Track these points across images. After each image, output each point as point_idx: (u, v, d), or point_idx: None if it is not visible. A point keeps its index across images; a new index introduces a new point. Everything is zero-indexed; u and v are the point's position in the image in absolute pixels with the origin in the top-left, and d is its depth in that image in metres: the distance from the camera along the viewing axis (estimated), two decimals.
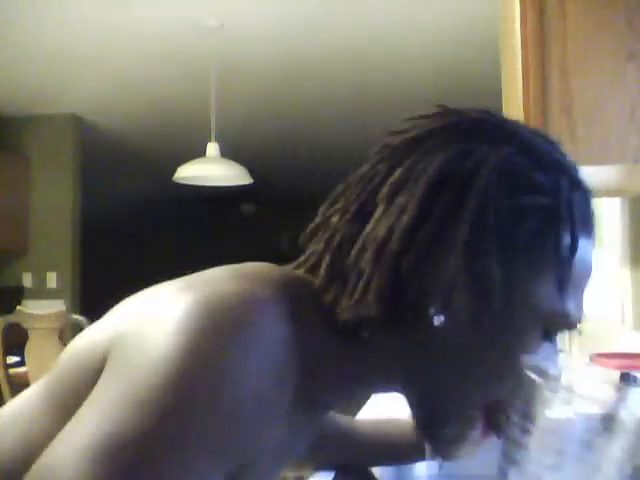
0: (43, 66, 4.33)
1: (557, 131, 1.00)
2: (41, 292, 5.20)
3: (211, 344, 0.49)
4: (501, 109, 1.61)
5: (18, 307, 3.49)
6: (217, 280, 0.56)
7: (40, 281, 5.29)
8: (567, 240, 0.57)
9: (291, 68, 4.27)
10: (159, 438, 0.46)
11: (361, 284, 0.57)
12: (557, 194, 0.58)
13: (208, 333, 0.50)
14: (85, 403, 0.50)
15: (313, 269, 0.62)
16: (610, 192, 1.52)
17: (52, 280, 5.24)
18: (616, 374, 0.93)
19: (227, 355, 0.49)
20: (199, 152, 3.91)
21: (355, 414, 0.91)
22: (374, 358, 0.61)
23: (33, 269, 5.33)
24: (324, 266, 0.61)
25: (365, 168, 0.62)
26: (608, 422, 0.73)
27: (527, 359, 0.57)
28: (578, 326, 0.62)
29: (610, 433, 0.72)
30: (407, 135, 0.61)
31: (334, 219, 0.62)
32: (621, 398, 0.74)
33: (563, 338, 0.64)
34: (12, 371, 3.43)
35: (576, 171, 0.61)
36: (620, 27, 0.99)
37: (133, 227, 8.85)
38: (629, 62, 0.98)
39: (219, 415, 0.48)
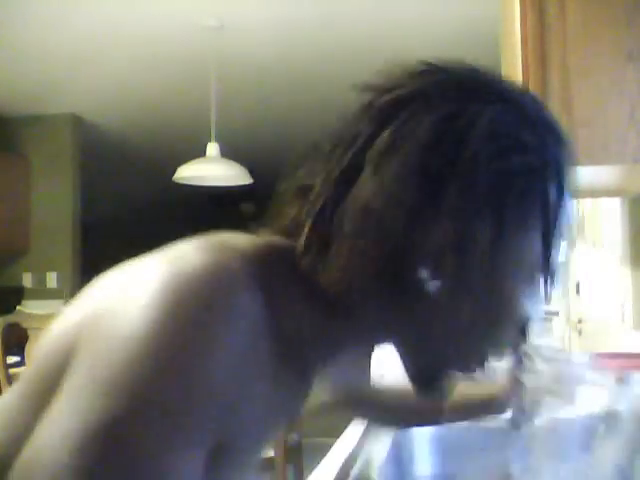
0: (43, 66, 4.33)
1: None
2: (41, 292, 5.19)
3: (183, 319, 0.49)
4: None
5: (18, 307, 3.49)
6: (187, 253, 0.54)
7: (40, 281, 5.29)
8: (554, 197, 0.58)
9: (291, 68, 4.26)
10: (134, 417, 0.46)
11: (347, 249, 0.56)
12: (544, 153, 0.58)
13: (179, 307, 0.49)
14: (61, 391, 0.50)
15: (291, 235, 0.60)
16: (610, 192, 1.52)
17: (52, 280, 5.24)
18: (616, 374, 0.93)
19: (199, 329, 0.49)
20: (199, 152, 3.90)
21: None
22: (360, 323, 0.60)
23: (33, 269, 5.32)
24: (305, 231, 0.59)
25: (345, 128, 0.60)
26: (609, 421, 0.73)
27: (517, 311, 0.60)
28: (557, 276, 0.62)
29: (610, 432, 0.72)
30: (392, 95, 0.59)
31: (315, 182, 0.60)
32: (621, 397, 0.74)
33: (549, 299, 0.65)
34: (12, 371, 3.42)
35: (560, 129, 0.61)
36: (620, 27, 0.99)
37: (133, 227, 8.84)
38: (629, 62, 0.98)
39: (194, 389, 0.48)
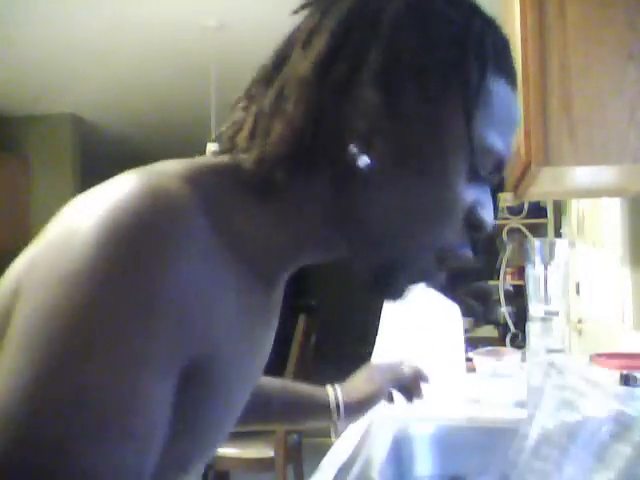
0: (43, 66, 4.33)
1: (557, 131, 1.00)
2: None
3: (130, 245, 0.47)
4: None
5: None
6: (121, 181, 0.52)
7: None
8: (477, 74, 0.57)
9: None
10: (87, 353, 0.44)
11: (279, 123, 0.56)
12: (467, 28, 0.58)
13: (124, 235, 0.47)
14: (4, 347, 0.47)
15: (235, 144, 0.60)
16: (610, 192, 1.52)
17: None
18: (616, 374, 0.93)
19: (150, 253, 0.47)
20: (199, 152, 3.90)
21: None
22: (307, 217, 0.59)
23: None
24: (246, 128, 0.59)
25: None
26: (617, 424, 0.73)
27: (460, 195, 0.58)
28: (504, 165, 0.61)
29: (620, 436, 0.72)
30: None
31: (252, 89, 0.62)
32: (629, 399, 0.74)
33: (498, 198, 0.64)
34: None
35: (490, 16, 0.61)
36: (620, 27, 0.99)
37: None
38: (629, 62, 0.98)
39: (150, 316, 0.46)
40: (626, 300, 1.70)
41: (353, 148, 0.56)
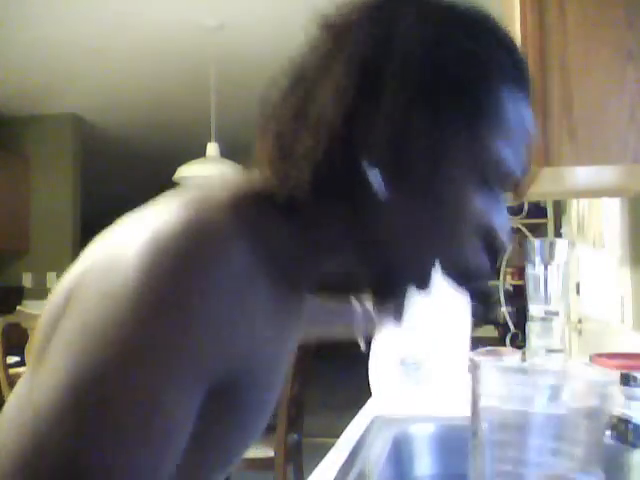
0: (43, 66, 4.33)
1: (557, 131, 1.00)
2: (41, 292, 5.19)
3: (174, 267, 0.51)
4: None
5: (18, 307, 3.49)
6: (170, 211, 0.55)
7: (40, 281, 5.29)
8: (495, 96, 0.58)
9: None
10: (128, 359, 0.48)
11: (298, 155, 0.58)
12: (479, 46, 0.58)
13: (170, 260, 0.51)
14: (51, 349, 0.52)
15: (263, 165, 0.63)
16: (610, 192, 1.52)
17: (52, 280, 5.24)
18: (616, 374, 0.93)
19: (193, 274, 0.51)
20: (199, 152, 3.91)
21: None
22: (328, 235, 0.62)
23: (33, 269, 5.33)
24: (267, 157, 0.61)
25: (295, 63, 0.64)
26: (618, 427, 0.73)
27: (476, 217, 0.59)
28: (518, 177, 0.62)
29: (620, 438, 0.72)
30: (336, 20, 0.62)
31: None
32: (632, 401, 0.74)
33: (507, 194, 0.65)
34: (12, 371, 3.42)
35: (505, 34, 0.62)
36: (620, 27, 0.99)
37: None
38: (629, 62, 0.98)
39: (187, 330, 0.50)
40: (626, 300, 1.70)
41: (371, 173, 0.57)
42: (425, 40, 0.57)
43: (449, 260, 0.61)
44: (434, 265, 0.61)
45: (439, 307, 1.34)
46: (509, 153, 0.59)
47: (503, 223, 0.62)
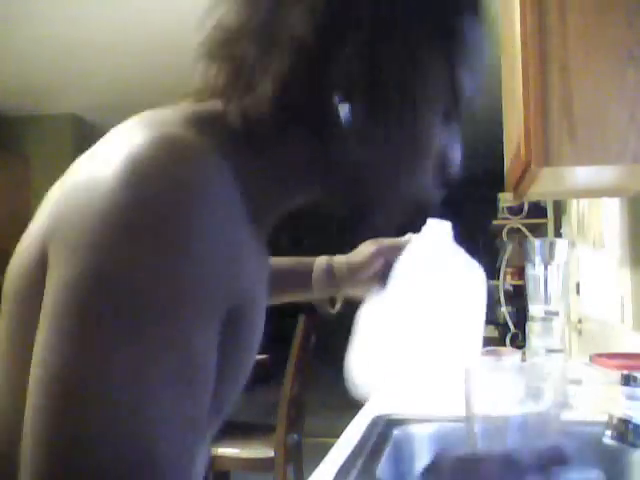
0: (43, 66, 4.33)
1: (557, 131, 1.00)
2: None
3: (166, 191, 0.48)
4: (501, 110, 1.61)
5: None
6: (138, 134, 0.53)
7: None
8: (458, 18, 0.60)
9: None
10: (141, 289, 0.46)
11: (266, 80, 0.57)
12: None
13: (149, 183, 0.48)
14: (45, 308, 0.49)
15: (215, 92, 0.61)
16: (610, 192, 1.52)
17: None
18: (616, 374, 0.93)
19: (182, 196, 0.48)
20: None
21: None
22: (293, 164, 0.61)
23: None
24: (223, 79, 0.60)
25: None
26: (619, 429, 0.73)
27: (437, 142, 0.62)
28: (475, 105, 0.64)
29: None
30: None
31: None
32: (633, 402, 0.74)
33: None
34: None
35: None
36: (620, 27, 0.99)
37: None
38: (629, 62, 0.98)
39: (195, 256, 0.48)
40: (626, 300, 1.70)
41: (337, 99, 0.57)
42: None
43: (407, 180, 0.62)
44: (400, 194, 0.62)
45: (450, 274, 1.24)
46: (470, 76, 0.61)
47: (455, 144, 0.65)
